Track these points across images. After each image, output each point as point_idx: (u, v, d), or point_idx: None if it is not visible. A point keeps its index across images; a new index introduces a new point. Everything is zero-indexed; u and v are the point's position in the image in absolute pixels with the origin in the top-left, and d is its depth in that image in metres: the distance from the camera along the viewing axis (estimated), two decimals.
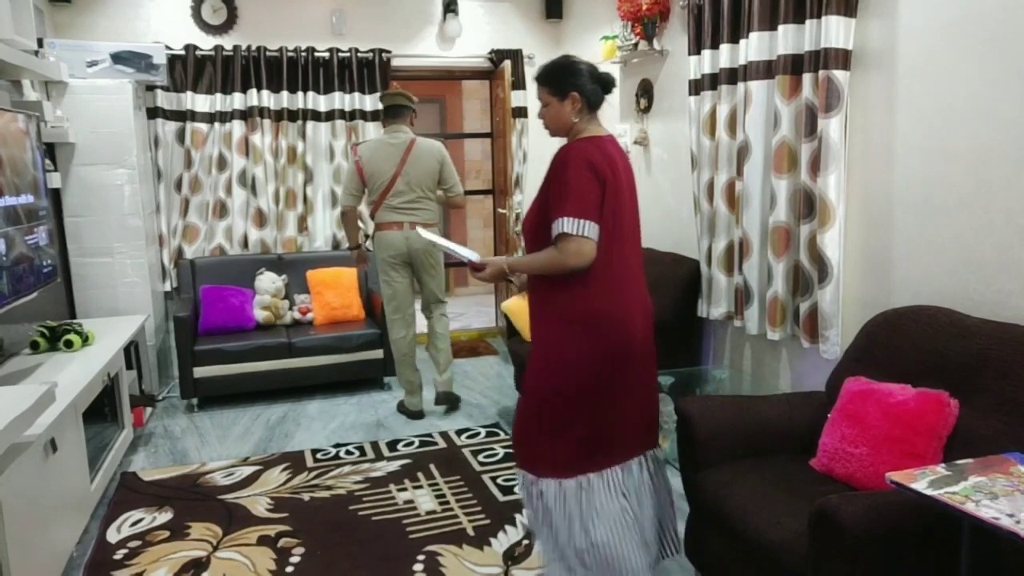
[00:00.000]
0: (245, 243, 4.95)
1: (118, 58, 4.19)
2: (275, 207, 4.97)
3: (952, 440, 1.97)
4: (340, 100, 5.00)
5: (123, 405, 3.50)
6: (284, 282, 4.75)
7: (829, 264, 2.82)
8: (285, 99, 4.89)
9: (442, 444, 3.69)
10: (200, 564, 2.61)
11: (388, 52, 5.07)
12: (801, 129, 2.92)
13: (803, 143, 2.91)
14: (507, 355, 4.98)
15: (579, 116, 2.23)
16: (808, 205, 2.92)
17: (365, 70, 5.04)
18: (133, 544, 2.76)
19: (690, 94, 3.63)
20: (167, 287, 4.82)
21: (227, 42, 4.80)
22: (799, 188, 2.96)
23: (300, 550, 2.69)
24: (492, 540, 2.74)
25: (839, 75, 2.72)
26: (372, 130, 5.08)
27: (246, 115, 4.81)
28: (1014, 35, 2.19)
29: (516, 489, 3.04)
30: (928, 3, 2.48)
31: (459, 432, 3.84)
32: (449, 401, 4.19)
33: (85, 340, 3.30)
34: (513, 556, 2.60)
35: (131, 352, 3.91)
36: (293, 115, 4.94)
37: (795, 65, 2.94)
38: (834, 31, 2.70)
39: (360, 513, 2.97)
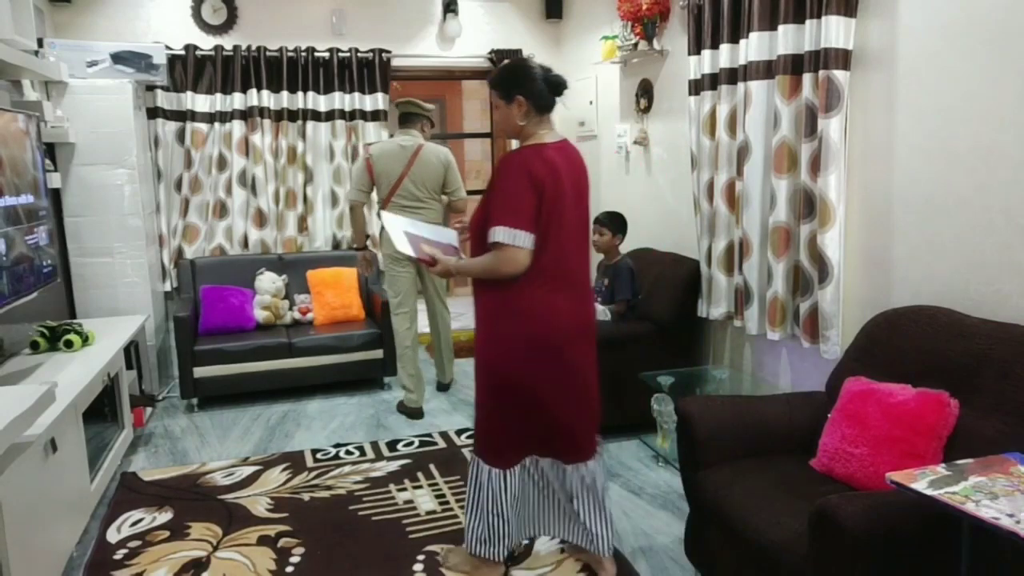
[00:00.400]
0: (245, 243, 4.95)
1: (118, 58, 4.19)
2: (275, 207, 4.98)
3: (952, 440, 1.97)
4: (340, 100, 5.00)
5: (123, 405, 3.50)
6: (284, 282, 4.75)
7: (829, 264, 2.82)
8: (285, 99, 4.89)
9: (442, 444, 3.69)
10: (200, 564, 2.61)
11: (388, 52, 5.07)
12: (801, 129, 2.92)
13: (803, 143, 2.91)
14: None
15: (525, 120, 2.29)
16: (808, 205, 2.92)
17: (365, 70, 5.04)
18: (133, 544, 2.76)
19: (690, 94, 3.63)
20: (167, 287, 4.82)
21: (227, 42, 4.80)
22: (799, 188, 2.96)
23: (300, 550, 2.69)
24: None
25: (839, 75, 2.72)
26: (372, 130, 5.08)
27: (246, 115, 4.81)
28: (1014, 35, 2.19)
29: None
30: (928, 3, 2.48)
31: (459, 432, 3.84)
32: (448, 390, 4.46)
33: (85, 340, 3.30)
34: (513, 556, 2.60)
35: (131, 352, 3.91)
36: (293, 115, 4.95)
37: (795, 65, 2.94)
38: (834, 31, 2.70)
39: (360, 513, 2.97)
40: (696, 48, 3.57)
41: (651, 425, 3.52)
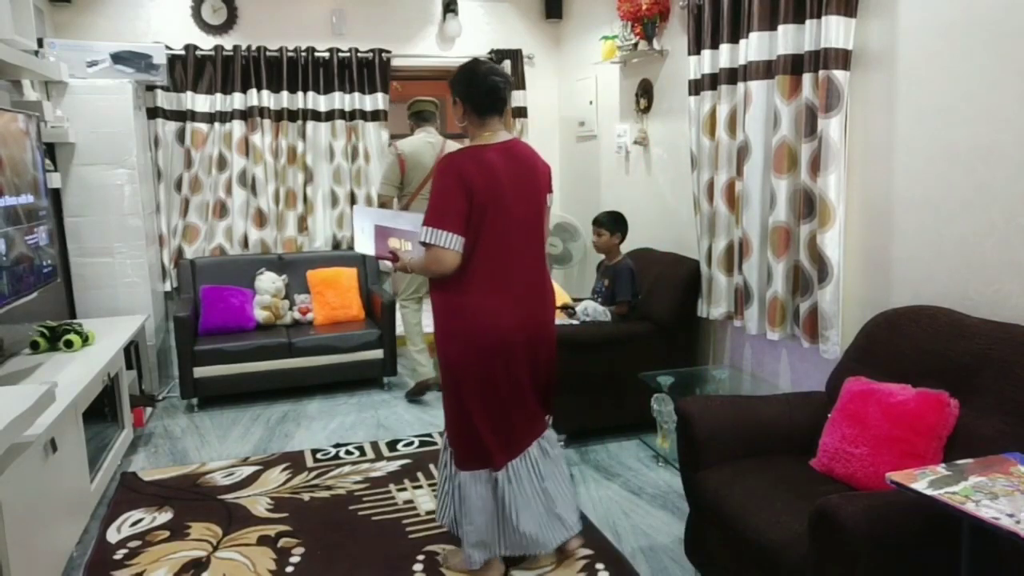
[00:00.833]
0: (245, 243, 4.95)
1: (118, 58, 4.19)
2: (275, 207, 4.97)
3: (952, 440, 1.97)
4: (340, 100, 4.99)
5: (123, 405, 3.50)
6: (284, 282, 4.75)
7: (829, 264, 2.82)
8: (285, 99, 4.89)
9: (442, 444, 3.68)
10: (200, 564, 2.61)
11: (388, 52, 5.07)
12: (801, 129, 2.92)
13: (803, 143, 2.91)
14: None
15: (465, 121, 2.37)
16: (808, 205, 2.92)
17: (365, 70, 5.04)
18: (133, 544, 2.76)
19: (690, 94, 3.63)
20: (167, 287, 4.82)
21: (227, 42, 4.80)
22: (799, 188, 2.96)
23: (300, 550, 2.69)
24: None
25: (839, 75, 2.72)
26: (372, 130, 5.09)
27: (246, 115, 4.81)
28: (1014, 35, 2.19)
29: None
30: (928, 3, 2.48)
31: None
32: None
33: (85, 340, 3.30)
34: (513, 556, 2.60)
35: (131, 352, 3.91)
36: (293, 115, 4.95)
37: (795, 65, 2.94)
38: (834, 31, 2.70)
39: (360, 513, 2.97)
40: (696, 48, 3.57)
41: (651, 425, 3.53)
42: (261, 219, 4.94)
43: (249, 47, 4.76)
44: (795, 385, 3.23)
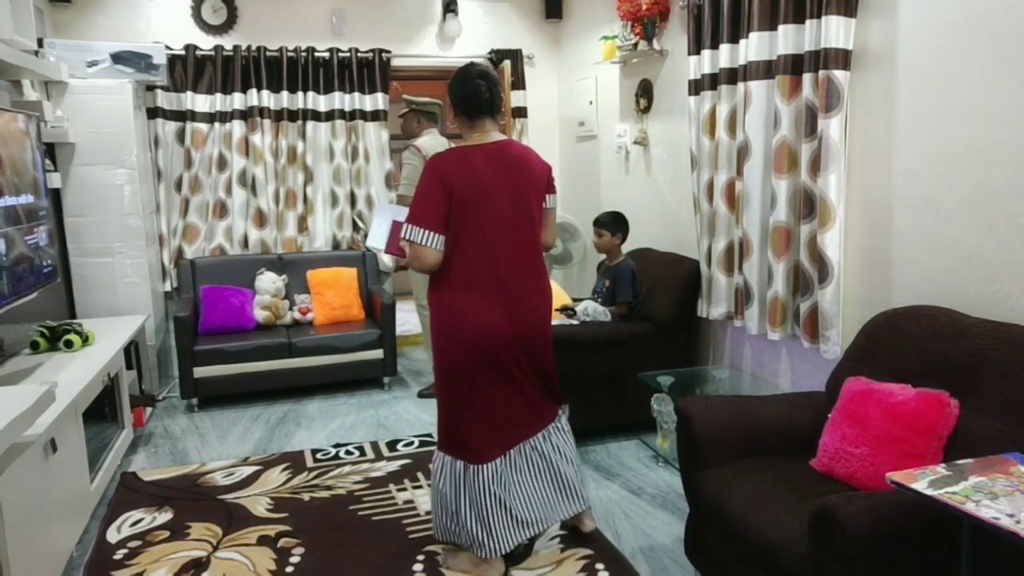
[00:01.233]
0: (245, 243, 4.95)
1: (118, 58, 4.19)
2: (275, 207, 4.98)
3: (952, 440, 1.97)
4: (340, 100, 5.00)
5: (123, 405, 3.50)
6: (284, 282, 4.75)
7: (829, 264, 2.82)
8: (285, 99, 4.89)
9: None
10: (200, 564, 2.61)
11: (388, 52, 5.07)
12: (801, 129, 2.92)
13: (803, 143, 2.91)
14: None
15: (455, 123, 2.45)
16: (808, 205, 2.92)
17: (365, 70, 5.04)
18: (133, 544, 2.76)
19: (690, 94, 3.63)
20: (167, 287, 4.82)
21: (227, 42, 4.80)
22: (799, 188, 2.96)
23: (300, 550, 2.69)
24: None
25: (839, 75, 2.72)
26: (372, 130, 5.09)
27: (246, 115, 4.81)
28: (1014, 35, 2.19)
29: None
30: (928, 3, 2.48)
31: None
32: None
33: (85, 340, 3.30)
34: (513, 556, 2.60)
35: (131, 352, 3.91)
36: (293, 115, 4.95)
37: (795, 65, 2.94)
38: (834, 31, 2.70)
39: (360, 513, 2.97)
40: (696, 48, 3.57)
41: (651, 425, 3.53)
42: (261, 219, 4.94)
43: (249, 47, 4.76)
44: (795, 385, 3.23)
